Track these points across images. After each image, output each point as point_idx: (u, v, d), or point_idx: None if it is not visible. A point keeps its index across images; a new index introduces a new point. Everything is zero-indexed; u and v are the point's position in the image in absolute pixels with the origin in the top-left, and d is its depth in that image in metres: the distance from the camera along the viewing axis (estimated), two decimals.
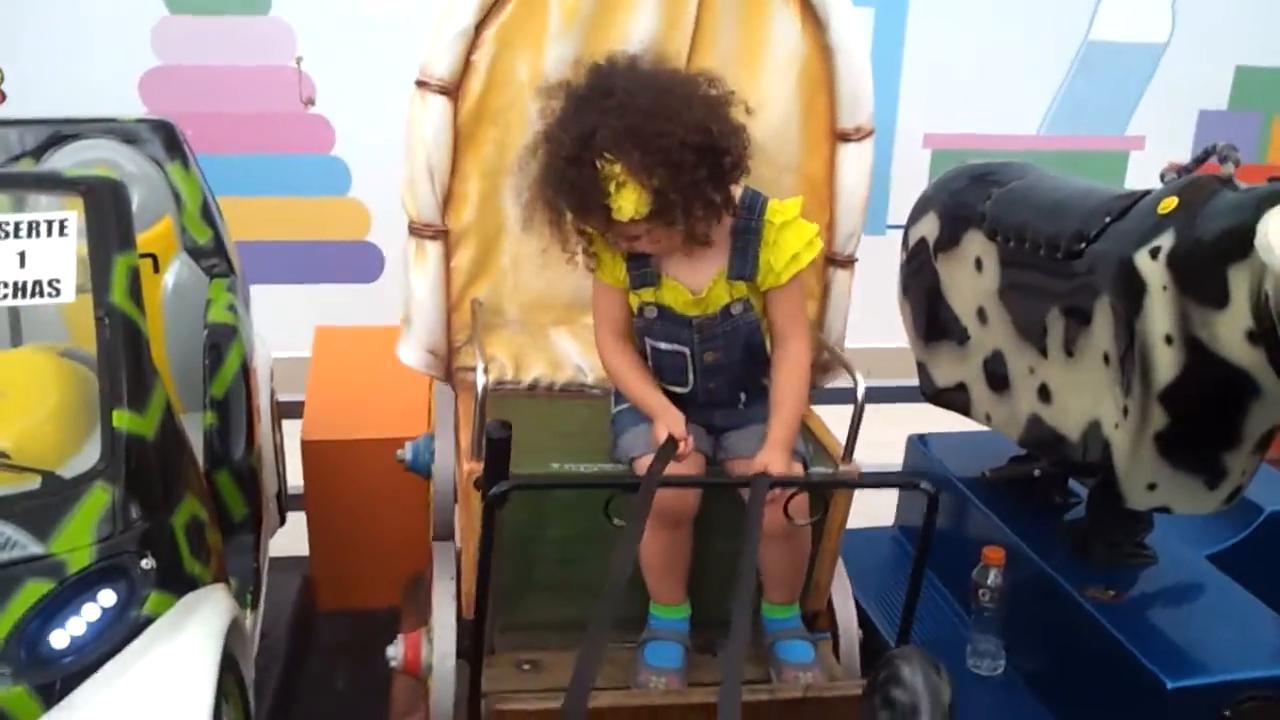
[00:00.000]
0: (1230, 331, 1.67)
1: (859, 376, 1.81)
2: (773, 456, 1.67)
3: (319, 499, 2.60)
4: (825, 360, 2.05)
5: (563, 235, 1.69)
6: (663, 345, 1.74)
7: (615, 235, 1.64)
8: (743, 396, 1.80)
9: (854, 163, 1.99)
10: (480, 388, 1.71)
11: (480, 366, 1.73)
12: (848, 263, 2.06)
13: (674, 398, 1.77)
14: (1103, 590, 2.02)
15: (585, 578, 1.76)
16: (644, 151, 1.54)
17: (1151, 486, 1.89)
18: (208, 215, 2.26)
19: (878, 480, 1.86)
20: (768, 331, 1.76)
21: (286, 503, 2.58)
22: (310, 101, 3.70)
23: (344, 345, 3.03)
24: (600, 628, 1.35)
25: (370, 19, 3.58)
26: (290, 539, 2.61)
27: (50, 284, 1.57)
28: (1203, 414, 1.80)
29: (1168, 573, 2.10)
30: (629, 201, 1.56)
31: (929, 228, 2.33)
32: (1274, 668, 1.85)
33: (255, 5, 3.60)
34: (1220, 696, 1.80)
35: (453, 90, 1.88)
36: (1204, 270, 1.70)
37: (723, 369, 1.75)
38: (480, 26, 1.87)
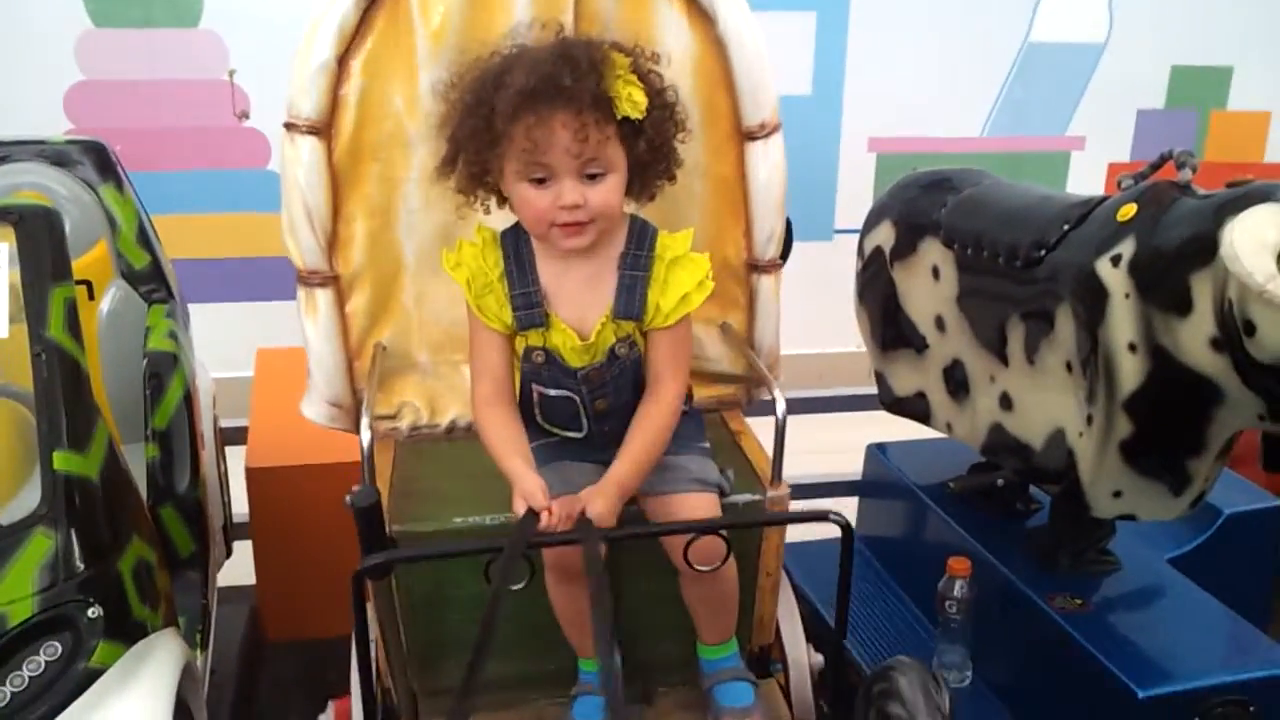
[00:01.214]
0: (1194, 339, 1.67)
1: (778, 393, 1.75)
2: (595, 499, 1.51)
3: (266, 527, 2.52)
4: (759, 372, 1.98)
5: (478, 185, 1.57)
6: (551, 392, 1.64)
7: (540, 155, 1.48)
8: None
9: (764, 160, 1.91)
10: (366, 444, 1.63)
11: (365, 422, 1.65)
12: (771, 267, 1.99)
13: (570, 440, 1.70)
14: (1069, 599, 2.02)
15: (502, 635, 1.64)
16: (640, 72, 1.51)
17: (1117, 494, 1.88)
18: (144, 238, 2.18)
19: (767, 519, 1.74)
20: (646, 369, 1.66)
21: (232, 532, 2.49)
22: (244, 115, 3.61)
23: (287, 367, 2.92)
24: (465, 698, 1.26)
25: (303, 28, 3.50)
26: (235, 568, 2.53)
27: None
28: (1167, 421, 1.79)
29: (1132, 578, 2.10)
30: (639, 93, 1.47)
31: (884, 236, 2.32)
32: (1241, 672, 1.85)
33: (184, 17, 3.50)
34: (1191, 703, 1.80)
35: (323, 129, 1.78)
36: (1166, 277, 1.69)
37: (615, 411, 1.66)
38: (344, 59, 1.77)
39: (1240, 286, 1.57)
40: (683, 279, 1.59)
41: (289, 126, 1.79)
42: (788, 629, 1.93)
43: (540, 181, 1.50)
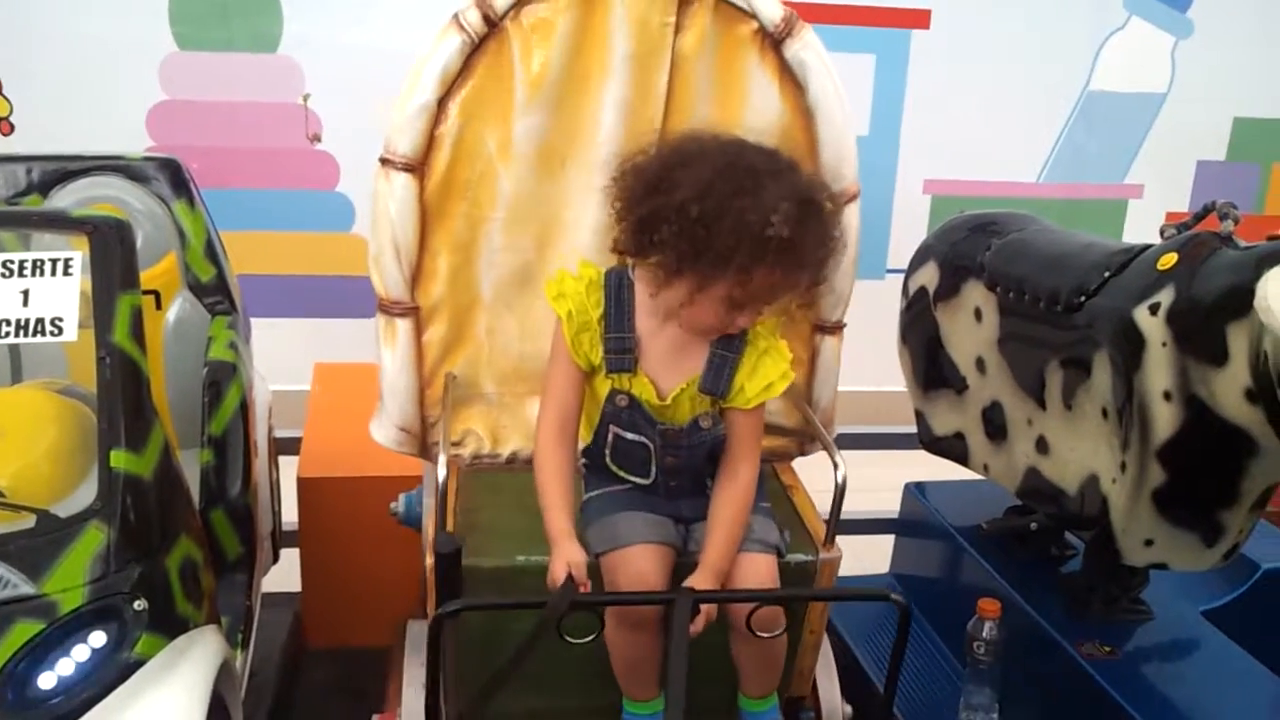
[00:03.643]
0: (1229, 389, 1.67)
1: (839, 458, 1.78)
2: (702, 579, 1.61)
3: (313, 536, 2.59)
4: (812, 427, 2.02)
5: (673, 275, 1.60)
6: (629, 435, 1.70)
7: (748, 299, 1.58)
8: (708, 482, 1.76)
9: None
10: (441, 480, 1.67)
11: (443, 460, 1.69)
12: (836, 329, 2.04)
13: (637, 487, 1.75)
14: (1099, 646, 2.01)
15: (551, 669, 1.70)
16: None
17: (1149, 543, 1.88)
18: (211, 253, 2.27)
19: (833, 594, 1.79)
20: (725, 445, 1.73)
21: (281, 540, 2.56)
22: (316, 138, 3.73)
23: (343, 382, 3.02)
24: None
25: (377, 56, 3.60)
26: (282, 575, 2.60)
27: (53, 322, 1.58)
28: (1201, 471, 1.79)
29: (1164, 629, 2.09)
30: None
31: (929, 276, 2.34)
32: None
33: (263, 42, 3.63)
34: None
35: (417, 166, 1.84)
36: (1203, 328, 1.70)
37: (684, 470, 1.73)
38: (444, 99, 1.83)
39: (1275, 338, 1.57)
40: (770, 369, 1.68)
41: (385, 162, 1.84)
42: (824, 682, 1.95)
43: (735, 306, 1.58)
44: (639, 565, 1.66)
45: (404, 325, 1.92)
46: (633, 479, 1.75)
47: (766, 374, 1.67)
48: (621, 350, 1.66)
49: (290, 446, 2.75)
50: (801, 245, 1.53)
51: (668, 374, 1.68)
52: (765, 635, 1.62)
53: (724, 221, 1.50)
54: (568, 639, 1.49)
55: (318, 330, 3.77)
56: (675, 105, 1.89)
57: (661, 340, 1.67)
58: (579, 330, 1.66)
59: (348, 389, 2.98)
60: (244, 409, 2.09)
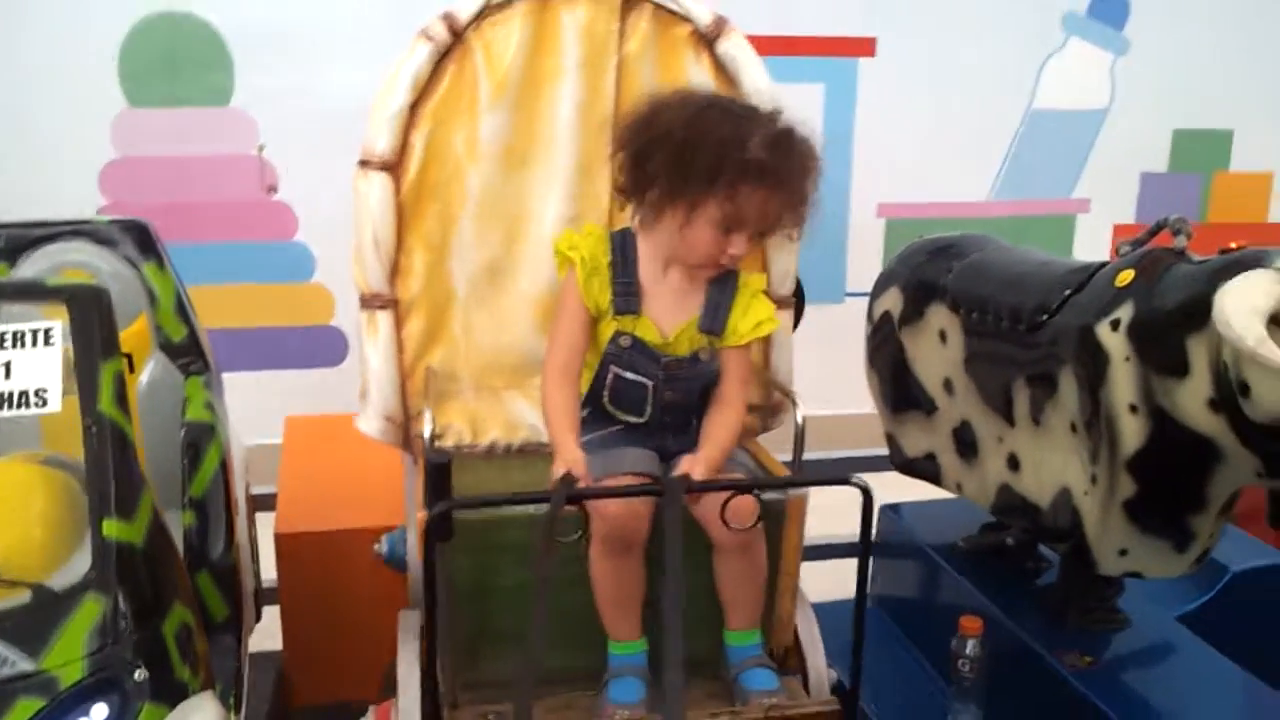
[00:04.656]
0: (1192, 400, 1.73)
1: (797, 401, 2.02)
2: (694, 465, 1.73)
3: (294, 592, 2.57)
4: (775, 401, 2.14)
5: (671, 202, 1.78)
6: (629, 375, 1.85)
7: (737, 221, 1.75)
8: (694, 421, 1.89)
9: None
10: (427, 436, 1.78)
11: (428, 415, 1.83)
12: (785, 302, 2.15)
13: (629, 426, 1.88)
14: (1078, 656, 2.05)
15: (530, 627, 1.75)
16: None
17: (1123, 552, 1.93)
18: (182, 312, 2.27)
19: (806, 480, 1.92)
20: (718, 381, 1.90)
21: (262, 598, 2.55)
22: (272, 189, 3.73)
23: (315, 434, 3.02)
24: (535, 638, 1.41)
25: (331, 106, 3.61)
26: (262, 632, 2.57)
27: (37, 394, 1.57)
28: (1169, 480, 1.85)
29: (1141, 636, 2.14)
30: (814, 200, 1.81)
31: (892, 301, 2.39)
32: None
33: (215, 96, 3.63)
34: None
35: (393, 167, 1.98)
36: (1164, 341, 1.76)
37: (679, 406, 1.88)
38: (415, 105, 1.97)
39: (1234, 349, 1.63)
40: (759, 310, 1.88)
41: (363, 164, 1.97)
42: (806, 637, 2.00)
43: (727, 230, 1.76)
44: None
45: (384, 318, 2.01)
46: (628, 418, 1.88)
47: (757, 313, 1.87)
48: (628, 293, 1.83)
49: (265, 502, 2.74)
50: (780, 167, 1.73)
51: (669, 317, 1.85)
52: (738, 526, 1.69)
53: (707, 143, 1.72)
54: (558, 540, 1.54)
55: (284, 382, 3.76)
56: (624, 103, 2.03)
57: (663, 288, 1.85)
58: (590, 274, 1.83)
59: (320, 441, 2.98)
60: (224, 469, 2.09)
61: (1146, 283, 1.82)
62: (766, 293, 2.08)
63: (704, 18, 2.05)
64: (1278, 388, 1.60)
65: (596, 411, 1.90)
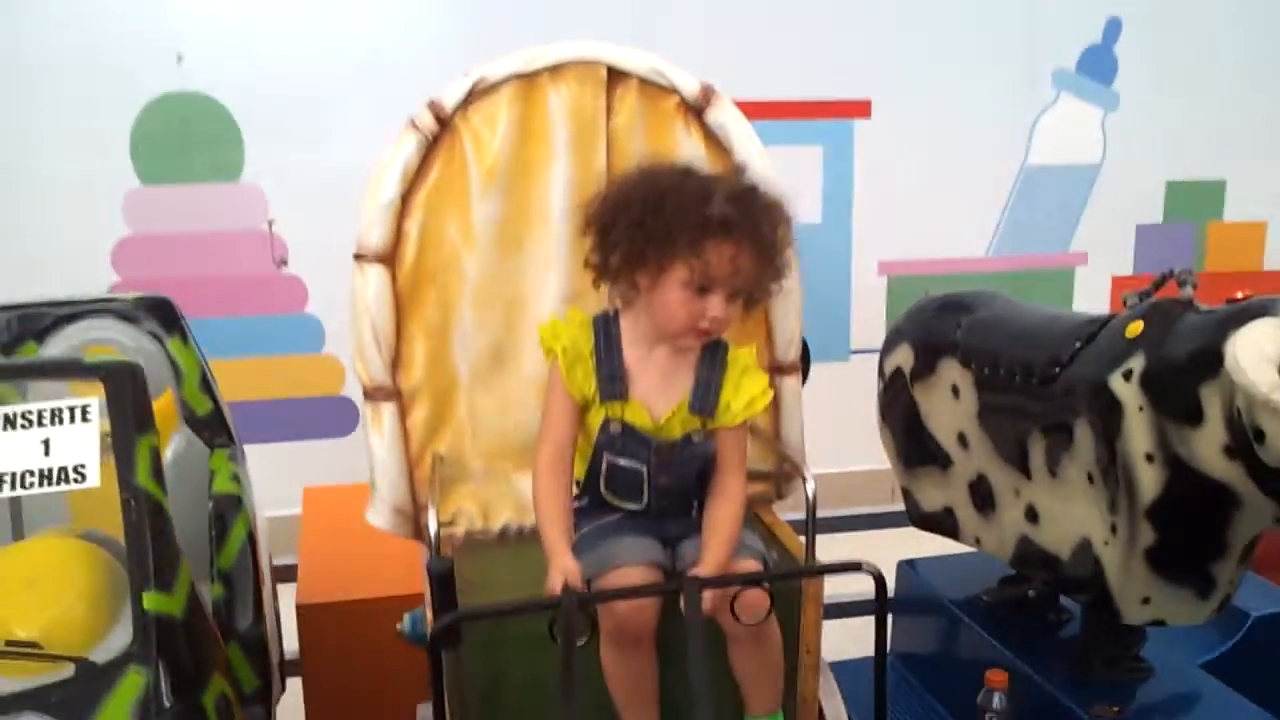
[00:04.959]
0: (1208, 447, 1.76)
1: (808, 473, 1.95)
2: (703, 570, 1.69)
3: (316, 663, 2.57)
4: (788, 469, 2.14)
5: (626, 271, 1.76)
6: (622, 461, 1.80)
7: (709, 279, 1.70)
8: (695, 503, 1.85)
9: None
10: (432, 532, 1.75)
11: (432, 513, 1.78)
12: (791, 369, 2.16)
13: (628, 513, 1.83)
14: (1107, 708, 2.06)
15: (547, 717, 1.73)
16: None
17: (1145, 600, 1.95)
18: (206, 386, 2.30)
19: (817, 570, 1.89)
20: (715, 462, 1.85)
21: (286, 669, 2.54)
22: (283, 262, 3.77)
23: (333, 505, 3.03)
24: None
25: (337, 176, 3.66)
26: (285, 708, 2.57)
27: (75, 470, 1.60)
28: (1189, 527, 1.87)
29: (1166, 684, 2.15)
30: (790, 252, 1.78)
31: (904, 358, 2.42)
32: None
33: (226, 172, 3.69)
34: None
35: (388, 258, 1.98)
36: (1177, 390, 1.79)
37: (676, 491, 1.83)
38: (407, 196, 1.98)
39: (1247, 396, 1.66)
40: (752, 385, 1.81)
41: (358, 258, 1.98)
42: (831, 710, 1.99)
43: (701, 291, 1.71)
44: (630, 584, 1.72)
45: (388, 409, 2.02)
46: (626, 505, 1.84)
47: (749, 390, 1.81)
48: (613, 378, 1.79)
49: (286, 573, 2.75)
50: (745, 220, 1.69)
51: (658, 399, 1.80)
52: (749, 620, 1.67)
53: (668, 204, 1.68)
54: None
55: (301, 453, 3.78)
56: (615, 179, 2.01)
57: (650, 368, 1.80)
58: (573, 363, 1.78)
59: (339, 511, 2.98)
60: (250, 540, 2.10)
61: (1157, 333, 1.86)
62: (773, 360, 2.10)
63: (691, 88, 2.04)
64: None
65: (595, 499, 1.86)
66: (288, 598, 2.61)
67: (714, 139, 2.06)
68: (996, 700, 2.11)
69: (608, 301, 1.86)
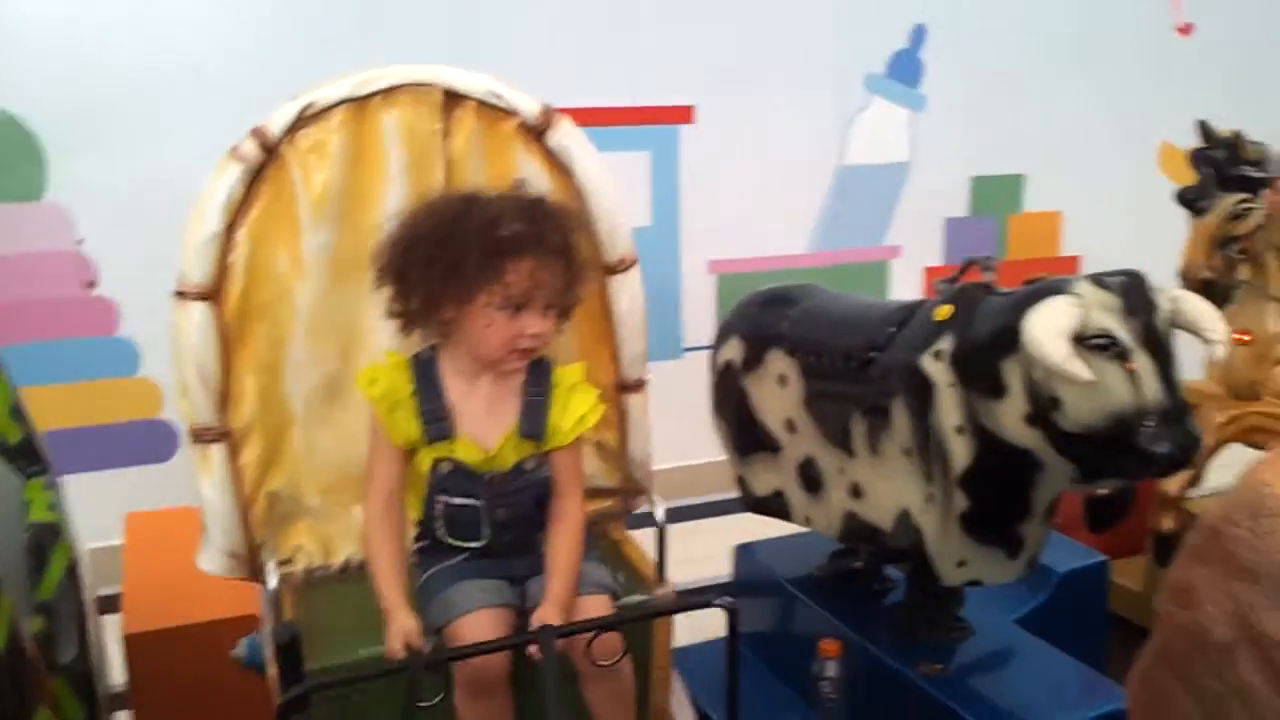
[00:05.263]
0: (1010, 417, 1.88)
1: (656, 499, 1.96)
2: (549, 613, 1.68)
3: (147, 694, 2.47)
4: (635, 484, 2.15)
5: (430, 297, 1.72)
6: (456, 500, 1.78)
7: (518, 298, 1.70)
8: (537, 537, 1.83)
9: (624, 291, 2.09)
10: (270, 589, 1.71)
11: (271, 566, 1.74)
12: (638, 386, 2.18)
13: (470, 559, 1.81)
14: (930, 665, 2.18)
15: None
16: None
17: (961, 563, 2.07)
18: (18, 414, 2.19)
19: (672, 608, 1.89)
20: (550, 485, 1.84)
21: (114, 702, 2.44)
22: (91, 284, 3.61)
23: (158, 530, 2.92)
24: None
25: (149, 192, 3.54)
26: None
27: None
28: (997, 492, 1.99)
29: (985, 641, 2.28)
30: (586, 247, 1.79)
31: (733, 351, 2.49)
32: (1088, 710, 2.04)
33: (25, 191, 3.50)
34: None
35: (212, 294, 1.88)
36: (982, 366, 1.91)
37: (515, 523, 1.81)
38: (231, 227, 1.88)
39: (1043, 368, 1.79)
40: (579, 403, 1.81)
41: (180, 295, 1.87)
42: (682, 717, 2.03)
43: (513, 311, 1.71)
44: (480, 631, 1.71)
45: (217, 450, 1.94)
46: (467, 545, 1.80)
47: (577, 408, 1.81)
48: (436, 419, 1.76)
49: (110, 604, 2.63)
50: (536, 233, 1.70)
51: (486, 430, 1.78)
52: (605, 663, 1.68)
53: (454, 235, 1.68)
54: (419, 705, 1.50)
55: (120, 481, 3.62)
56: (399, 220, 1.97)
57: (475, 400, 1.78)
58: (393, 409, 1.76)
59: (163, 536, 2.87)
60: (71, 571, 2.01)
61: (963, 315, 1.98)
62: (619, 378, 2.11)
63: (531, 110, 1.99)
64: (1084, 399, 1.77)
65: (434, 543, 1.83)
66: (113, 629, 2.51)
67: (555, 161, 2.02)
68: (830, 668, 2.19)
69: (421, 340, 1.83)
